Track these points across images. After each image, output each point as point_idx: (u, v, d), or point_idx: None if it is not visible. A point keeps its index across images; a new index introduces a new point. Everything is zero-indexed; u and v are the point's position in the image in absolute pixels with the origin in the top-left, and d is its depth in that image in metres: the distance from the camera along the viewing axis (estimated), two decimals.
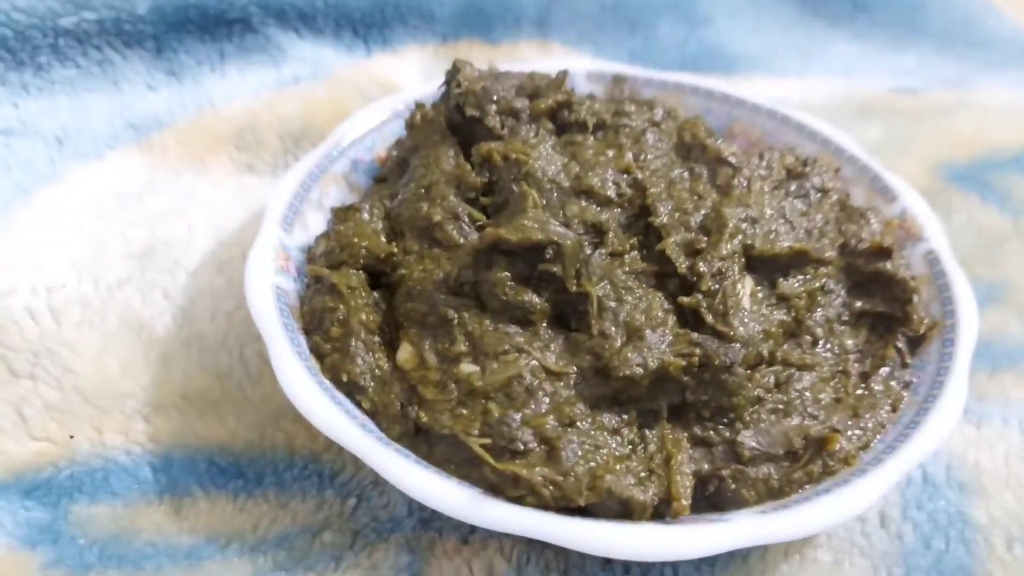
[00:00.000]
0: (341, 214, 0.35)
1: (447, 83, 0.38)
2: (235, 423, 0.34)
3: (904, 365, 0.32)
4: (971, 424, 0.35)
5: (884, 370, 0.32)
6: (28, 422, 0.32)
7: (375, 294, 0.32)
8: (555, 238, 0.30)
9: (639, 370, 0.28)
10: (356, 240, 0.33)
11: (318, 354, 0.31)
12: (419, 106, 0.38)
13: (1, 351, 0.33)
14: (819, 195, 0.35)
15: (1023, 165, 0.47)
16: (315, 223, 0.36)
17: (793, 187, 0.35)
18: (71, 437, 0.32)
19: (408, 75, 0.50)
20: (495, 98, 0.35)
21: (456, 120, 0.36)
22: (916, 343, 0.33)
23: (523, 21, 0.54)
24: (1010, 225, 0.44)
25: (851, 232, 0.35)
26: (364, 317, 0.31)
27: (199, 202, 0.42)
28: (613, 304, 0.30)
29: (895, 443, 0.29)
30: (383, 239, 0.34)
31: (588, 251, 0.31)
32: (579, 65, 0.45)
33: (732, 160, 0.34)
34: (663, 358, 0.28)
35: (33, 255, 0.37)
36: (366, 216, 0.34)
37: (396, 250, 0.33)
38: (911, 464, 0.29)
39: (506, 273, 0.30)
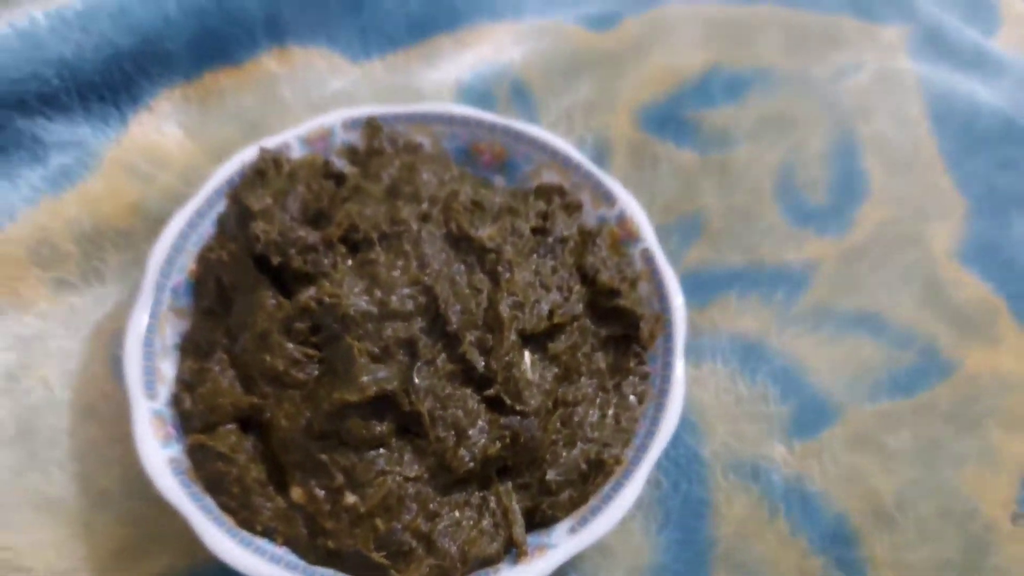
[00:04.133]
0: (194, 375, 0.42)
1: (240, 222, 0.43)
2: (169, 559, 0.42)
3: (641, 363, 0.45)
4: (692, 363, 0.50)
5: (631, 377, 0.45)
6: None
7: (251, 439, 0.41)
8: (388, 387, 0.39)
9: (471, 464, 0.39)
10: (220, 400, 0.41)
11: (228, 510, 0.40)
12: (223, 243, 0.44)
13: None
14: (561, 246, 0.45)
15: (706, 93, 0.58)
16: (167, 370, 0.43)
17: (541, 249, 0.45)
18: None
19: (169, 134, 0.53)
20: (294, 238, 0.42)
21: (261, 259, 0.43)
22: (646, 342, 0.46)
23: (256, 31, 0.56)
24: (699, 161, 0.56)
25: (589, 264, 0.46)
26: (255, 474, 0.40)
27: (35, 342, 0.46)
28: (440, 412, 0.40)
29: (649, 432, 0.43)
30: (240, 389, 0.41)
31: (408, 369, 0.41)
32: (336, 117, 0.50)
33: (492, 246, 0.43)
34: (487, 449, 0.40)
35: None
36: (218, 371, 0.42)
37: (256, 399, 0.41)
38: (663, 445, 0.42)
39: (357, 420, 0.39)
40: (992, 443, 0.46)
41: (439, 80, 0.57)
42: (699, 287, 0.52)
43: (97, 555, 0.42)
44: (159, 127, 0.53)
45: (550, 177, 0.50)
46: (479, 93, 0.56)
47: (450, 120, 0.50)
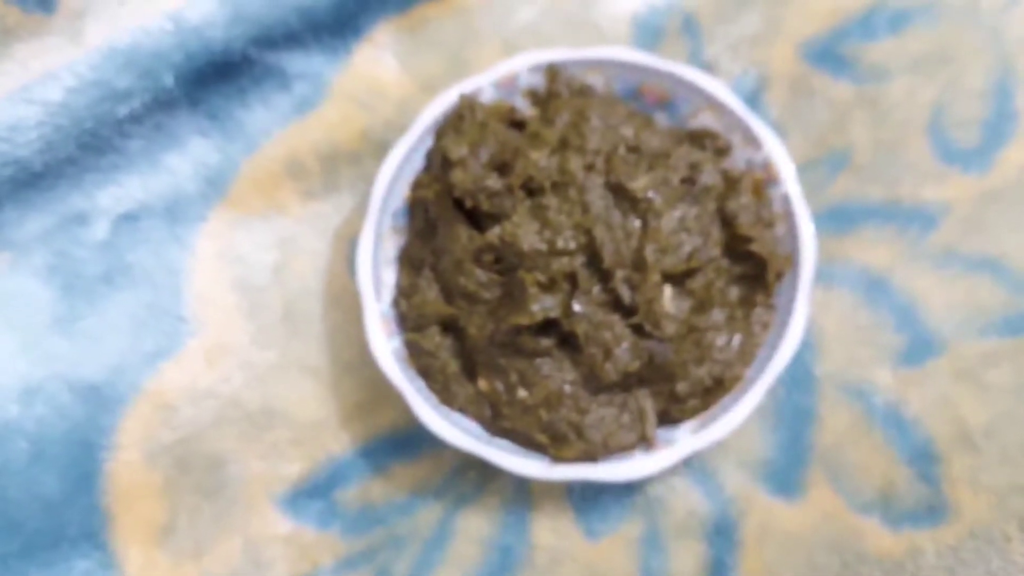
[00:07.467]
0: (409, 285, 0.54)
1: (442, 165, 0.54)
2: (393, 417, 0.57)
3: (768, 296, 0.53)
4: (821, 288, 0.57)
5: (758, 308, 0.53)
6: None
7: (450, 338, 0.54)
8: (552, 314, 0.50)
9: (615, 376, 0.50)
10: (427, 308, 0.53)
11: (434, 391, 0.53)
12: (429, 181, 0.55)
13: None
14: (705, 194, 0.53)
15: (867, 28, 0.60)
16: (389, 278, 0.56)
17: (687, 197, 0.53)
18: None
19: (386, 65, 0.63)
20: (483, 186, 0.52)
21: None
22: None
23: None
24: (854, 94, 0.60)
25: (730, 210, 0.53)
26: (453, 367, 0.53)
27: (291, 242, 0.60)
28: (593, 334, 0.51)
29: (768, 356, 0.52)
30: (442, 300, 0.54)
31: (569, 297, 0.51)
32: (522, 62, 0.58)
33: (643, 196, 0.51)
34: (628, 365, 0.50)
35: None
36: (425, 284, 0.54)
37: (453, 310, 0.53)
38: (779, 370, 0.51)
39: (528, 336, 0.51)
40: None
41: (617, 13, 0.63)
42: (839, 218, 0.57)
43: (343, 408, 0.57)
44: (378, 58, 0.63)
45: (705, 119, 0.56)
46: (652, 27, 0.62)
47: (620, 65, 0.57)
